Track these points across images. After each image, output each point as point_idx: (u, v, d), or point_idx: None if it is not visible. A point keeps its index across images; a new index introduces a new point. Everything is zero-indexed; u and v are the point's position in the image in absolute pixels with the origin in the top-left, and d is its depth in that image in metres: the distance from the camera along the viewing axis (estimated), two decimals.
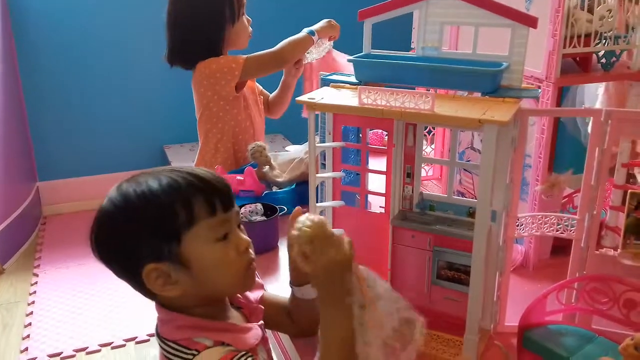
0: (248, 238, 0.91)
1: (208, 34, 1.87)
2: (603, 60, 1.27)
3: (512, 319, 1.09)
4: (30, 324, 2.54)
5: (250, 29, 1.97)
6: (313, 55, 1.94)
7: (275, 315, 1.04)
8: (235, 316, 0.95)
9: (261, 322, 0.97)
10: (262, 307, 0.99)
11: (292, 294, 1.04)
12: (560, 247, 1.31)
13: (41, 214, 3.58)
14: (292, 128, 2.28)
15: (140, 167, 3.88)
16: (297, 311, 1.04)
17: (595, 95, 1.66)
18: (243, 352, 0.83)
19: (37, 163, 3.56)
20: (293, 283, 1.02)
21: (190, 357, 0.82)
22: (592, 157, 1.03)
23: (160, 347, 0.87)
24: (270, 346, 1.02)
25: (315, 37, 1.90)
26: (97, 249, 0.87)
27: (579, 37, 1.21)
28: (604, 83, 1.44)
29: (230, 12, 1.86)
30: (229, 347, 0.84)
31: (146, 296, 0.89)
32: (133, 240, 0.84)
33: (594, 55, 1.28)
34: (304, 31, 1.92)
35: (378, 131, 1.99)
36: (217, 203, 0.86)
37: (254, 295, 1.00)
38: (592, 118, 1.02)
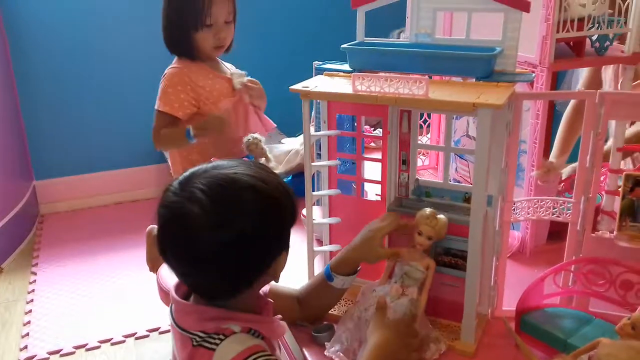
0: None
1: (177, 32, 1.90)
2: (597, 45, 1.26)
3: (509, 304, 1.09)
4: (29, 322, 2.53)
5: (218, 42, 1.86)
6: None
7: (281, 305, 1.04)
8: None
9: (280, 315, 0.97)
10: (272, 301, 0.99)
11: (323, 284, 1.06)
12: (557, 233, 1.32)
13: (38, 213, 3.57)
14: (288, 124, 2.26)
15: (137, 165, 3.81)
16: (317, 299, 1.08)
17: None
18: (268, 353, 0.83)
19: (33, 162, 3.54)
20: (341, 273, 1.04)
21: (218, 342, 0.83)
22: (587, 140, 1.03)
23: (182, 334, 0.87)
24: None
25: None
26: (215, 240, 0.82)
27: (572, 21, 1.21)
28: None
29: (192, 20, 1.88)
30: (256, 341, 0.85)
31: (224, 293, 0.88)
32: (285, 228, 0.89)
33: (588, 40, 1.28)
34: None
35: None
36: None
37: (263, 289, 1.00)
38: (586, 101, 1.02)
